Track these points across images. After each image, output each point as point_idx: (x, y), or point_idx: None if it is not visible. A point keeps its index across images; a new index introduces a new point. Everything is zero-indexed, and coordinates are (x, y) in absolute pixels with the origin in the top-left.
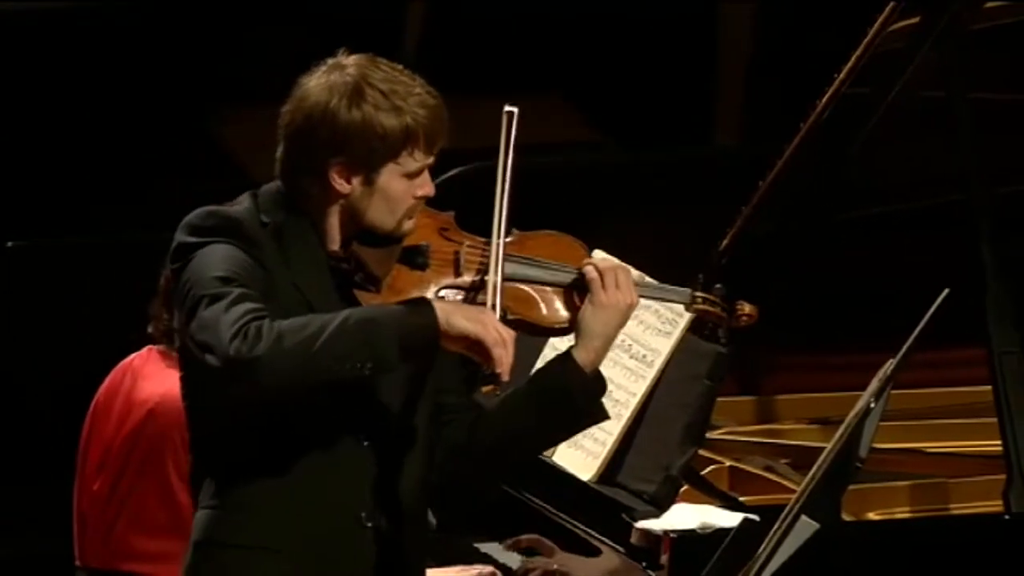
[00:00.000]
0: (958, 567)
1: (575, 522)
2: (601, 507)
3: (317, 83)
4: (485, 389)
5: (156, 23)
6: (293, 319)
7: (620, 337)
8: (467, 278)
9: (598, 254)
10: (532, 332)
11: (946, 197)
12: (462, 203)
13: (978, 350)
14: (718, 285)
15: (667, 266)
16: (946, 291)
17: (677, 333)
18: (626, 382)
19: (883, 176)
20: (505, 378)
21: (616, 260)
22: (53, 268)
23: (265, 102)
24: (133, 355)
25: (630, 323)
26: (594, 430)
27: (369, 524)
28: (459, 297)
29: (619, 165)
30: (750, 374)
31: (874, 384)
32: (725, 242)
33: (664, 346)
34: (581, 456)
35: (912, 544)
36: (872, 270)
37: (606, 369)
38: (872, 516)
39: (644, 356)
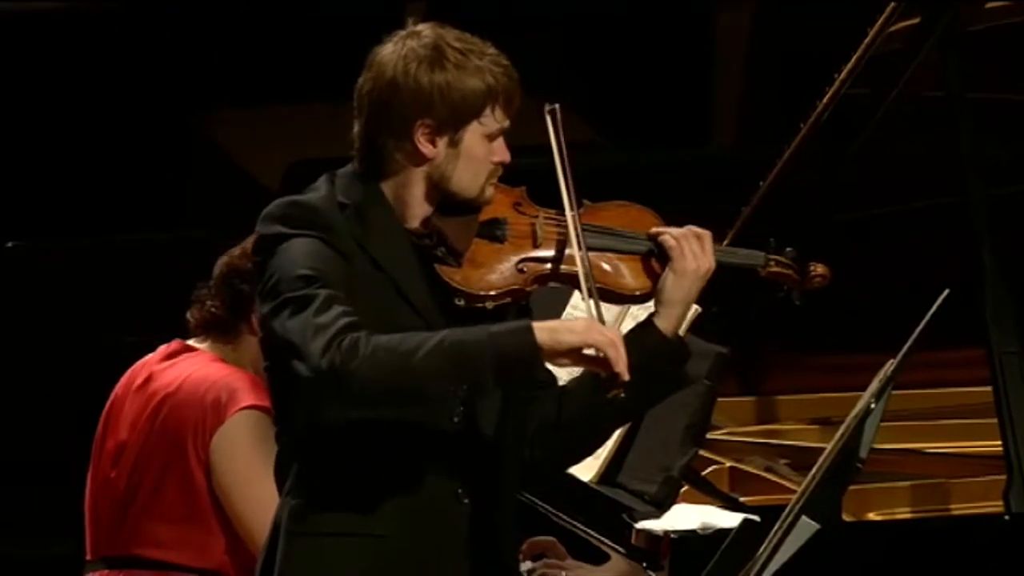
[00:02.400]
0: (958, 567)
1: (575, 523)
2: (602, 507)
3: (395, 50)
4: (610, 395)
5: (156, 24)
6: (389, 336)
7: None
8: (545, 249)
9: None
10: (614, 300)
11: (946, 197)
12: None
13: (978, 350)
14: (789, 248)
15: None
16: (946, 291)
17: None
18: None
19: (883, 176)
20: (625, 377)
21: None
22: (53, 268)
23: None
24: (150, 354)
25: (627, 322)
26: None
27: (466, 500)
28: (547, 267)
29: (616, 166)
30: (750, 374)
31: (875, 384)
32: (725, 243)
33: None
34: None
35: (912, 544)
36: (872, 270)
37: None
38: (872, 516)
39: None
